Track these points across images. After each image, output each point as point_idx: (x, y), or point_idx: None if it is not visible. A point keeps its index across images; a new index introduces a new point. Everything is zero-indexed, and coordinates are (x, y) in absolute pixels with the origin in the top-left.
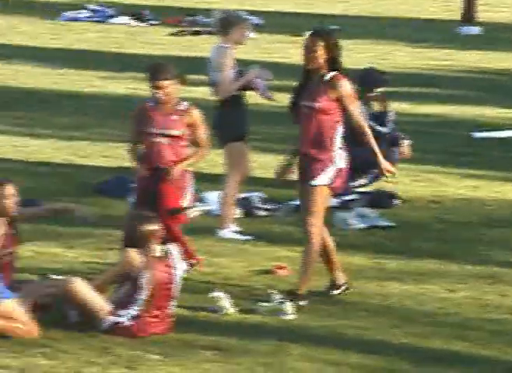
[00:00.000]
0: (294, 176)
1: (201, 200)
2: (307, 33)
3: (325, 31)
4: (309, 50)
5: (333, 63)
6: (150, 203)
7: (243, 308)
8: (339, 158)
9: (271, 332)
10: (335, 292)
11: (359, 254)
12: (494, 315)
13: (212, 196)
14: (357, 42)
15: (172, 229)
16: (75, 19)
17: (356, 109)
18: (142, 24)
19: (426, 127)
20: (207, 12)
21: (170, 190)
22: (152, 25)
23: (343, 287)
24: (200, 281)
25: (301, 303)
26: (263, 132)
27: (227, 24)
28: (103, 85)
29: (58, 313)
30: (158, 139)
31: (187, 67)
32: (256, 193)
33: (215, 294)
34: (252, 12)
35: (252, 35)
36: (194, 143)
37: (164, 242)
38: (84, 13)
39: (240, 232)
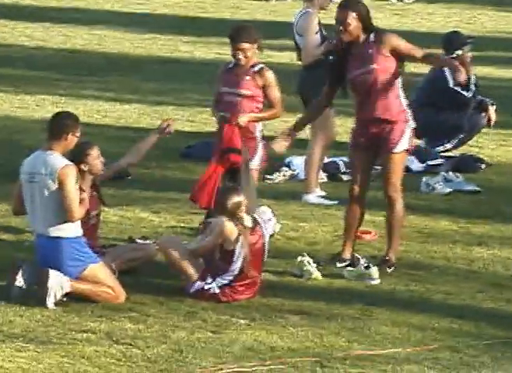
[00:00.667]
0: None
1: (287, 164)
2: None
3: (354, 1)
4: (341, 24)
5: (368, 27)
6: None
7: (329, 272)
8: (411, 117)
9: (357, 297)
10: (338, 265)
11: (445, 219)
12: None
13: (298, 161)
14: (442, 6)
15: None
16: None
17: (415, 48)
18: None
19: None
20: None
21: (234, 131)
22: None
23: (345, 263)
24: (285, 246)
25: (389, 270)
26: (349, 96)
27: None
28: (189, 50)
29: (144, 277)
30: (230, 98)
31: (273, 32)
32: (341, 158)
33: (301, 258)
34: None
35: None
36: (268, 104)
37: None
38: None
39: (326, 197)
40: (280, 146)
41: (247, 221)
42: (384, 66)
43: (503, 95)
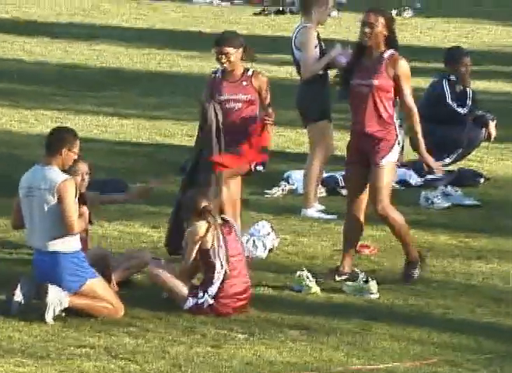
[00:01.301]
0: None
1: (285, 179)
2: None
3: (382, 9)
4: (369, 26)
5: (390, 40)
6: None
7: (328, 287)
8: (401, 137)
9: (356, 312)
10: (337, 278)
11: (444, 233)
12: None
13: (297, 176)
14: (441, 20)
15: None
16: None
17: (409, 91)
18: (225, 3)
19: None
20: None
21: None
22: (235, 4)
23: (344, 277)
24: (284, 260)
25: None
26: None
27: (309, 3)
28: (188, 64)
29: (143, 292)
30: (230, 105)
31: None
32: (340, 172)
33: (300, 273)
34: None
35: (335, 14)
36: (261, 106)
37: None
38: None
39: (325, 211)
40: None
41: (217, 218)
42: (383, 84)
43: (502, 109)
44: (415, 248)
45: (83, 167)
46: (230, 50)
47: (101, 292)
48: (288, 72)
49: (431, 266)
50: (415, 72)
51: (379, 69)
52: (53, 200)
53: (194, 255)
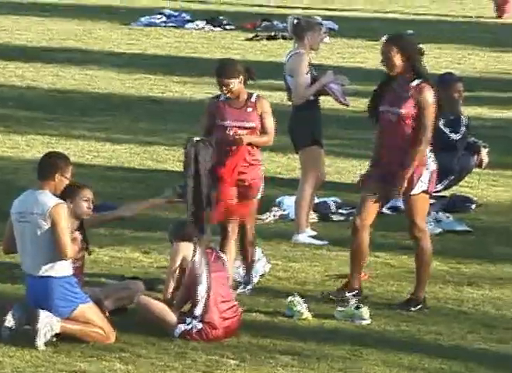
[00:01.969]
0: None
1: (277, 204)
2: (383, 39)
3: (399, 36)
4: (385, 56)
5: (414, 67)
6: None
7: (319, 312)
8: (430, 161)
9: (347, 337)
10: (348, 294)
11: (436, 259)
12: None
13: (289, 201)
14: (433, 46)
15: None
16: (151, 25)
17: (429, 123)
18: (217, 29)
19: (504, 131)
20: (282, 17)
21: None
22: (227, 30)
23: (353, 293)
24: (276, 286)
25: (414, 309)
26: (339, 137)
27: (302, 29)
28: (180, 90)
29: (134, 317)
30: (234, 131)
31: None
32: (332, 198)
33: (291, 298)
34: (327, 17)
35: (327, 40)
36: (262, 131)
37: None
38: (160, 18)
39: (316, 237)
40: None
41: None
42: (411, 113)
43: (494, 135)
44: (424, 291)
45: (89, 193)
46: (231, 81)
47: (93, 317)
48: (280, 98)
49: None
50: None
51: (406, 97)
52: (45, 225)
53: (175, 269)
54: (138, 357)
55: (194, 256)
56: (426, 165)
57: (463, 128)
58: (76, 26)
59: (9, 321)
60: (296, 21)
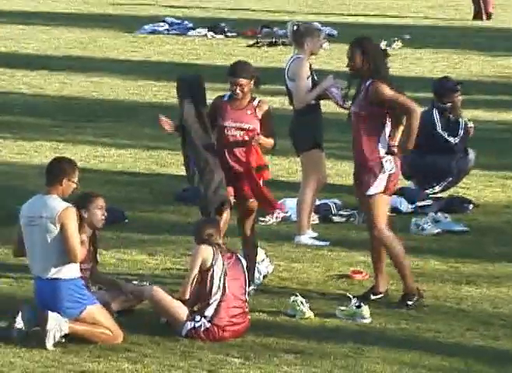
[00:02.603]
0: None
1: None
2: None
3: (363, 39)
4: (348, 58)
5: (374, 70)
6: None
7: (321, 312)
8: (389, 164)
9: (349, 336)
10: (372, 297)
11: (434, 258)
12: None
13: (290, 203)
14: (430, 51)
15: (256, 184)
16: (155, 32)
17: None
18: (219, 36)
19: (500, 133)
20: (283, 23)
21: (254, 150)
22: (228, 37)
23: (380, 295)
24: (278, 286)
25: (410, 303)
26: (340, 140)
27: (302, 35)
28: None
29: (141, 318)
30: (232, 132)
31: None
32: (333, 200)
33: (294, 298)
34: (326, 23)
35: (326, 46)
36: (264, 135)
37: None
38: (163, 26)
39: (318, 238)
40: None
41: (220, 243)
42: (367, 113)
43: (489, 137)
44: (414, 282)
45: (103, 202)
46: (245, 81)
47: (100, 318)
48: (281, 102)
49: (422, 291)
50: None
51: (361, 98)
52: (54, 229)
53: (195, 272)
54: (145, 357)
55: (213, 259)
56: (383, 168)
57: (461, 131)
58: (81, 34)
59: (19, 323)
60: (295, 27)
